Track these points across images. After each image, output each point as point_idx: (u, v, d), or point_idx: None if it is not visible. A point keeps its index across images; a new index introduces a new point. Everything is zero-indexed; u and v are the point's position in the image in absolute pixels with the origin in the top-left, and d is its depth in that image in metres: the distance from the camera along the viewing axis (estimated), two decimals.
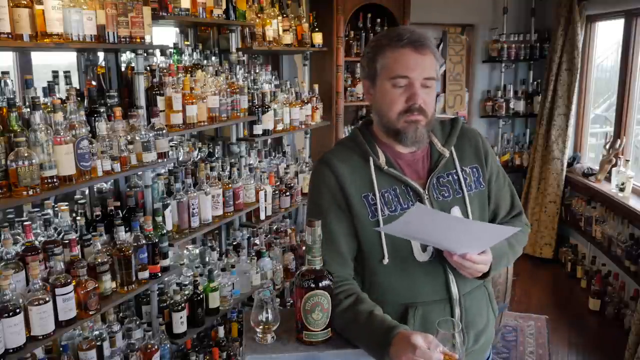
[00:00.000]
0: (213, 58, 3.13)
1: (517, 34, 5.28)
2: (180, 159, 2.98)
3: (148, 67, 2.54)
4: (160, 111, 2.53)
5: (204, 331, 2.88)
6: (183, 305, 2.56)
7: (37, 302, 1.82)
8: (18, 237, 1.99)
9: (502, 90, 5.44)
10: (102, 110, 2.22)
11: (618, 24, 4.43)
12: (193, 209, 2.67)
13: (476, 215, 1.53)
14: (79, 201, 2.35)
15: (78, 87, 2.39)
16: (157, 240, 2.35)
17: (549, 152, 4.93)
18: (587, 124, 5.09)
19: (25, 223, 1.95)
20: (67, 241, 2.00)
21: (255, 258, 3.12)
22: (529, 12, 5.29)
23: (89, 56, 2.50)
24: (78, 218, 2.24)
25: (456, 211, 1.51)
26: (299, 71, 4.46)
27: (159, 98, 2.53)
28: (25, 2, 1.90)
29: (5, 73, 1.99)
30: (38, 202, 2.20)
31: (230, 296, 2.88)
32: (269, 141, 3.89)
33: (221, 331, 2.94)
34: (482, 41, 5.43)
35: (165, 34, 3.19)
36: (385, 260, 1.47)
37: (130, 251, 2.21)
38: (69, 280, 1.92)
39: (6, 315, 1.74)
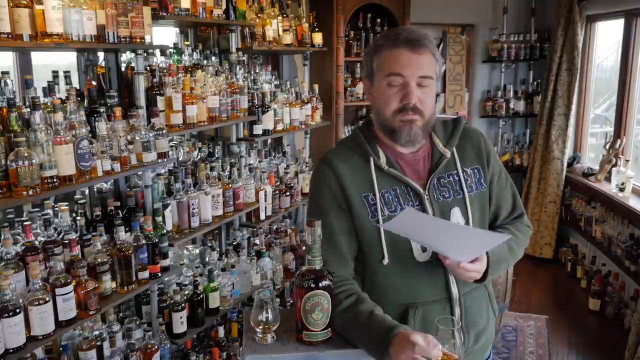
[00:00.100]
0: (213, 58, 3.13)
1: (517, 34, 5.28)
2: (180, 159, 2.98)
3: (148, 67, 2.54)
4: (160, 111, 2.53)
5: (204, 331, 2.88)
6: (183, 305, 2.56)
7: (37, 302, 1.82)
8: (18, 237, 1.99)
9: (502, 90, 5.44)
10: (102, 110, 2.22)
11: (618, 24, 4.43)
12: (193, 209, 2.67)
13: (476, 217, 1.53)
14: (79, 201, 2.35)
15: (78, 87, 2.39)
16: (157, 240, 2.35)
17: (549, 152, 4.94)
18: (587, 124, 5.09)
19: (25, 223, 1.95)
20: (67, 241, 2.00)
21: (255, 258, 3.12)
22: (529, 12, 5.29)
23: (89, 56, 2.50)
24: (78, 218, 2.24)
25: (456, 212, 1.51)
26: (299, 71, 4.46)
27: (159, 98, 2.53)
28: (25, 2, 1.90)
29: (5, 73, 1.98)
30: (38, 202, 2.20)
31: (230, 296, 2.87)
32: (269, 141, 3.89)
33: (221, 331, 2.94)
34: (482, 41, 5.42)
35: (165, 34, 3.19)
36: (385, 261, 1.47)
37: (130, 251, 2.21)
38: (69, 280, 1.91)
39: (6, 315, 1.74)
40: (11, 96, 1.91)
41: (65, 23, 1.99)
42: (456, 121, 1.61)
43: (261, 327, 1.40)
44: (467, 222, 1.51)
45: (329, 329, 1.39)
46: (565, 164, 4.91)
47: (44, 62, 2.66)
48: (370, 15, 4.68)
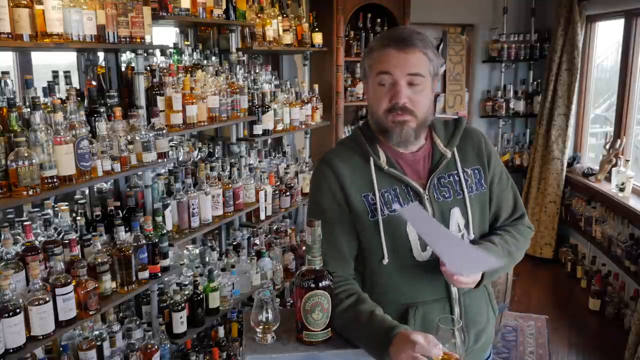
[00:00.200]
0: (213, 58, 3.13)
1: (517, 34, 5.28)
2: (180, 159, 2.98)
3: (148, 67, 2.54)
4: (160, 111, 2.53)
5: (204, 331, 2.88)
6: (183, 305, 2.56)
7: (37, 302, 1.82)
8: (18, 237, 1.99)
9: (502, 90, 5.44)
10: (102, 110, 2.22)
11: (618, 24, 4.43)
12: (193, 209, 2.67)
13: (476, 217, 1.54)
14: (79, 201, 2.35)
15: (78, 87, 2.39)
16: (157, 240, 2.35)
17: (549, 152, 4.94)
18: (587, 124, 5.09)
19: (25, 223, 1.95)
20: (67, 241, 2.00)
21: (255, 258, 3.12)
22: (529, 12, 5.29)
23: (89, 56, 2.50)
24: (78, 218, 2.24)
25: (456, 212, 1.51)
26: (299, 71, 4.46)
27: (159, 98, 2.53)
28: (25, 2, 1.90)
29: (5, 73, 1.98)
30: (38, 202, 2.20)
31: (230, 296, 2.87)
32: (269, 141, 3.89)
33: (221, 331, 2.94)
34: (482, 41, 5.42)
35: (165, 34, 3.19)
36: (385, 260, 1.47)
37: (130, 251, 2.21)
38: (69, 280, 1.91)
39: (6, 315, 1.74)
40: (11, 96, 1.91)
41: (65, 23, 1.99)
42: (457, 121, 1.61)
43: (261, 327, 1.40)
44: (467, 223, 1.52)
45: (329, 329, 1.39)
46: (565, 164, 4.91)
47: (44, 62, 2.66)
48: (370, 15, 4.68)
